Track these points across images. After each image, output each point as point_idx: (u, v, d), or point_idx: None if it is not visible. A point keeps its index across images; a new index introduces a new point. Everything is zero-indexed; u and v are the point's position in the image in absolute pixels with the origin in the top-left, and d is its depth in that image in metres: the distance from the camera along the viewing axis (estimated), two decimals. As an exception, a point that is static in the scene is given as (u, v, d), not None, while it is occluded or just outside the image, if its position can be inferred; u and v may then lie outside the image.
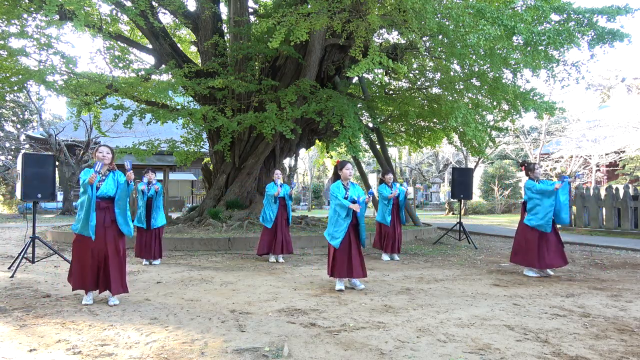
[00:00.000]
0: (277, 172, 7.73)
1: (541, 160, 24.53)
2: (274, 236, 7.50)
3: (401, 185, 8.05)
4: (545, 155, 25.39)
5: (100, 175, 4.55)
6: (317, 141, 14.49)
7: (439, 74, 11.89)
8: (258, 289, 5.31)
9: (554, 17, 7.96)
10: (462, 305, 4.57)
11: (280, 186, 7.56)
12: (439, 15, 7.53)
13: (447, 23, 7.67)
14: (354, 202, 5.26)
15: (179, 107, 10.86)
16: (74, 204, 22.59)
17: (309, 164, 36.46)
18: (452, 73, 10.87)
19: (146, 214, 7.17)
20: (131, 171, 4.57)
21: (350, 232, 5.26)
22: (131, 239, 5.75)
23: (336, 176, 5.49)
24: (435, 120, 12.31)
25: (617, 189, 12.02)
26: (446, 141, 15.59)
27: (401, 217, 8.10)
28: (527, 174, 6.48)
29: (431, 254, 8.55)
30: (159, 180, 7.65)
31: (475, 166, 24.05)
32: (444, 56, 10.28)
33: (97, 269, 4.51)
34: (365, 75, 12.76)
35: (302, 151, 22.10)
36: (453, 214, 22.17)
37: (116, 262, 4.56)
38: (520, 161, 7.31)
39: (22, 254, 6.51)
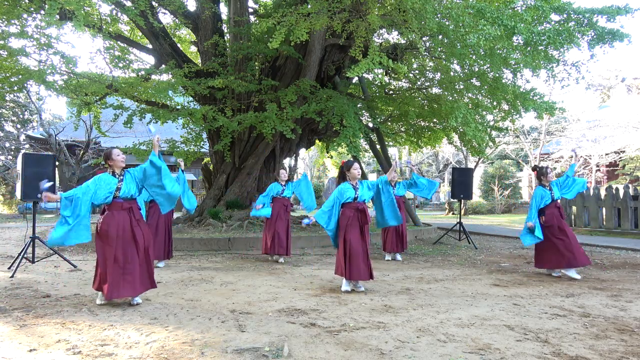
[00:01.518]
0: (282, 171, 7.70)
1: (541, 160, 24.53)
2: (273, 236, 7.42)
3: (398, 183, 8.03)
4: (545, 155, 25.39)
5: (117, 177, 4.55)
6: (317, 141, 14.50)
7: (439, 74, 11.88)
8: (258, 289, 5.31)
9: (554, 17, 7.96)
10: (462, 305, 4.57)
11: (285, 185, 7.56)
12: (439, 15, 7.53)
13: (447, 23, 7.67)
14: (361, 201, 5.27)
15: (179, 107, 10.86)
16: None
17: (309, 164, 36.47)
18: (452, 73, 10.87)
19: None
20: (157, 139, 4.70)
21: (358, 233, 5.20)
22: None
23: (341, 178, 5.32)
24: (435, 120, 12.31)
25: (617, 189, 12.02)
26: (446, 141, 15.58)
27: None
28: (539, 179, 6.36)
29: (431, 254, 8.55)
30: None
31: (475, 166, 24.04)
32: (444, 56, 10.28)
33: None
34: (365, 75, 12.76)
35: (302, 151, 22.08)
36: (453, 214, 22.17)
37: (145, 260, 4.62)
38: (532, 165, 7.20)
39: (22, 254, 6.52)
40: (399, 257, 7.96)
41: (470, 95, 10.87)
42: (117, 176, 4.56)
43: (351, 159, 5.50)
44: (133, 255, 4.48)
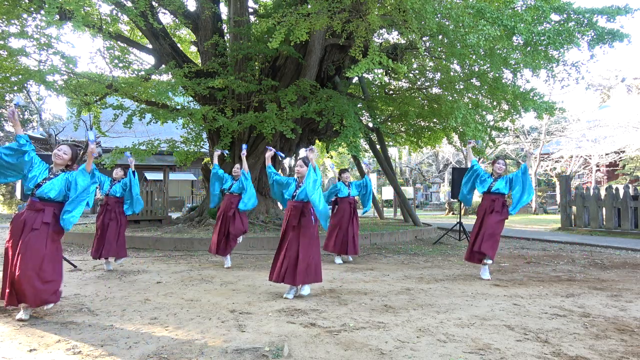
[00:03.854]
0: (237, 165, 7.23)
1: (541, 160, 24.51)
2: (217, 234, 7.05)
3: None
4: (545, 155, 25.37)
5: (50, 173, 4.11)
6: (317, 141, 14.51)
7: (439, 74, 11.89)
8: (258, 289, 5.31)
9: (554, 17, 7.96)
10: (462, 305, 4.57)
11: (237, 180, 7.07)
12: (438, 15, 7.53)
13: (447, 23, 7.68)
14: (298, 200, 4.89)
15: (179, 107, 10.87)
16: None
17: (308, 164, 36.37)
18: (452, 73, 10.88)
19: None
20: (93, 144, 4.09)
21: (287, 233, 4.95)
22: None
23: None
24: (435, 120, 12.32)
25: (617, 189, 12.01)
26: (446, 141, 15.59)
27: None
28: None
29: (431, 254, 8.55)
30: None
31: (475, 166, 24.01)
32: (444, 56, 10.29)
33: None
34: (365, 75, 12.77)
35: (302, 151, 22.09)
36: (453, 214, 22.16)
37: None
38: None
39: (22, 254, 6.50)
40: (349, 258, 7.63)
41: (470, 95, 10.88)
42: (50, 173, 4.13)
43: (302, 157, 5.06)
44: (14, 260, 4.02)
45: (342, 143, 9.45)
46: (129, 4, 9.79)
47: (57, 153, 4.17)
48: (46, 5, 7.01)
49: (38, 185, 4.04)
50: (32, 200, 4.06)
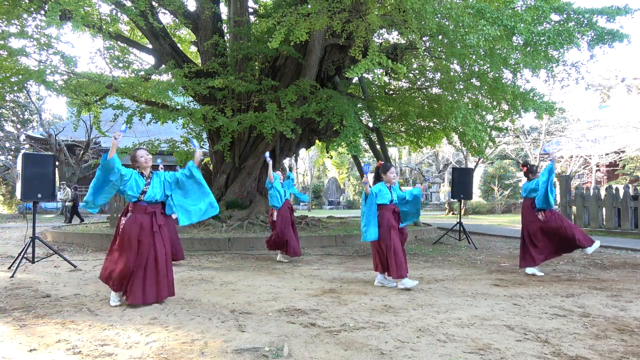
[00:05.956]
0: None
1: (541, 160, 24.52)
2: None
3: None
4: (545, 155, 25.37)
5: (145, 179, 4.54)
6: (317, 141, 14.51)
7: (439, 74, 11.89)
8: (258, 289, 5.31)
9: (554, 17, 7.96)
10: (462, 305, 4.57)
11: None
12: (438, 16, 7.53)
13: (447, 23, 7.67)
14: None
15: (179, 107, 10.87)
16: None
17: (309, 164, 36.45)
18: (452, 73, 10.87)
19: None
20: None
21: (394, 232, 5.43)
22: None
23: (377, 178, 5.69)
24: (435, 120, 12.32)
25: (617, 189, 12.01)
26: (446, 141, 15.59)
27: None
28: (527, 176, 6.51)
29: (431, 254, 8.55)
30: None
31: (475, 166, 24.04)
32: (444, 56, 10.29)
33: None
34: (365, 75, 12.78)
35: (302, 151, 22.10)
36: (453, 214, 22.18)
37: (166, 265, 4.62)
38: (522, 162, 7.08)
39: (22, 254, 6.52)
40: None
41: (470, 95, 10.88)
42: (145, 178, 4.55)
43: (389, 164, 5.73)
44: (150, 262, 4.48)
45: (342, 143, 9.45)
46: (129, 4, 9.80)
47: (147, 157, 4.56)
48: (46, 6, 7.03)
49: (143, 192, 4.48)
50: (140, 204, 4.49)
